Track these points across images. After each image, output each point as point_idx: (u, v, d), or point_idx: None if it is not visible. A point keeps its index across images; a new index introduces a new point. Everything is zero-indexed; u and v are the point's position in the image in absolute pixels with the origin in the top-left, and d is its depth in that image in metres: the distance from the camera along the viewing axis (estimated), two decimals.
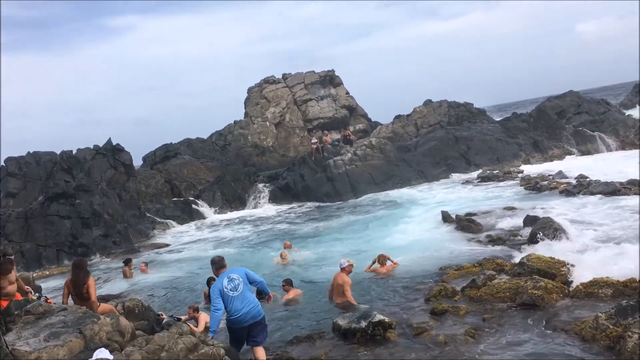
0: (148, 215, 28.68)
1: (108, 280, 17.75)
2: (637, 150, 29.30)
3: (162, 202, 30.80)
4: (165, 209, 30.11)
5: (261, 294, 8.65)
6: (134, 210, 27.84)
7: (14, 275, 9.24)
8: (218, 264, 8.10)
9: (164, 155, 35.27)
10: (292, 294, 12.03)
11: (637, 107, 38.25)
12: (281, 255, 16.23)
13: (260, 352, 7.76)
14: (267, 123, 41.09)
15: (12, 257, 10.40)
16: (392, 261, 13.31)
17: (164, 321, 10.42)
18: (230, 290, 7.67)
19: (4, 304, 8.29)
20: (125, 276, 17.19)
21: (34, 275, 17.64)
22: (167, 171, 33.11)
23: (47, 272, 20.92)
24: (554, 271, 10.19)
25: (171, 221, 28.99)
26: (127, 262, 17.71)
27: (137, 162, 35.48)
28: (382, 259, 13.27)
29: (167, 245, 23.64)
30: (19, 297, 9.20)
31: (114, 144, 30.66)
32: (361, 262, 13.17)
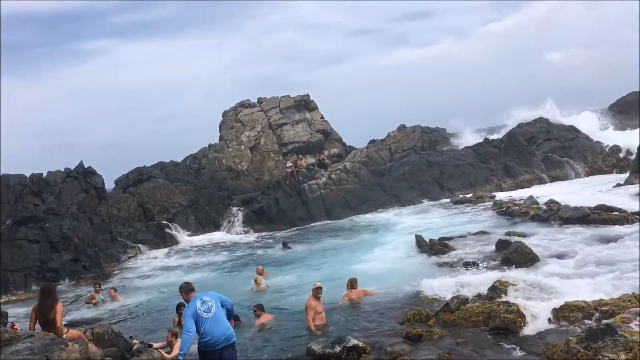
0: (120, 239, 28.21)
1: (77, 305, 17.35)
2: (605, 176, 30.01)
3: (135, 226, 30.36)
4: (138, 233, 29.67)
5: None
6: (105, 234, 27.38)
7: None
8: (186, 288, 8.13)
9: (137, 178, 34.89)
10: (264, 319, 11.92)
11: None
12: (255, 281, 16.09)
13: None
14: (242, 147, 41.07)
15: None
16: (364, 291, 13.19)
17: (135, 347, 10.21)
18: (204, 311, 7.65)
19: None
20: (89, 301, 16.84)
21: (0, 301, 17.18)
22: (140, 195, 32.72)
23: (14, 298, 20.39)
24: (526, 295, 10.32)
25: (143, 245, 28.56)
26: (96, 287, 17.39)
27: (109, 186, 35.01)
28: (352, 283, 13.16)
29: (139, 269, 23.25)
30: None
31: (86, 167, 30.24)
32: (335, 289, 13.13)
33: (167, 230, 30.30)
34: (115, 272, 23.18)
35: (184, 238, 30.49)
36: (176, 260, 24.56)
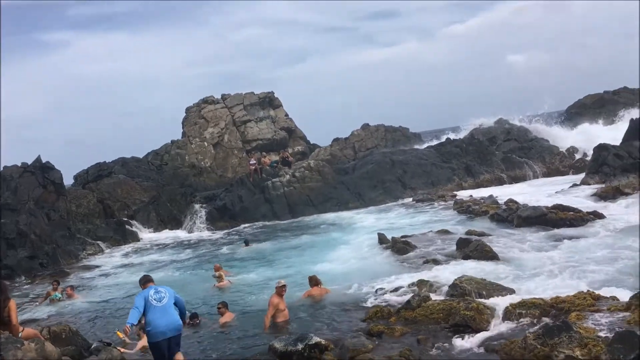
0: (78, 236, 27.59)
1: (34, 304, 16.88)
2: (562, 177, 30.83)
3: (94, 223, 29.75)
4: (97, 229, 29.07)
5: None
6: (64, 230, 26.74)
7: None
8: (143, 280, 8.48)
9: (97, 174, 34.21)
10: (228, 316, 11.85)
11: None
12: (217, 277, 15.96)
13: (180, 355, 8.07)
14: (205, 143, 40.68)
15: None
16: (325, 289, 13.21)
17: (93, 346, 10.01)
18: (155, 300, 7.91)
19: None
20: (45, 299, 16.43)
21: None
22: (100, 191, 32.10)
23: None
24: (485, 292, 10.54)
25: (103, 242, 27.99)
26: (54, 284, 16.96)
27: (68, 181, 34.22)
28: (314, 281, 13.18)
29: (98, 267, 22.78)
30: None
31: (44, 161, 29.46)
32: (298, 286, 13.14)
33: (127, 227, 29.79)
34: (73, 270, 22.64)
35: (145, 235, 30.07)
36: (137, 257, 24.17)
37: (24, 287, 20.44)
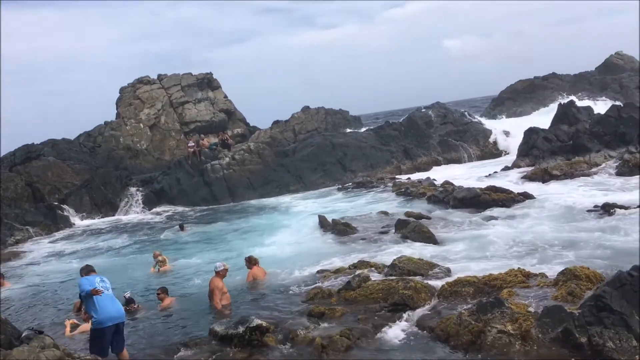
0: (6, 221, 26.30)
1: None
2: (495, 159, 31.91)
3: (23, 207, 28.45)
4: (26, 214, 27.81)
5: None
6: None
7: None
8: (87, 269, 8.49)
9: (24, 156, 32.68)
10: (168, 301, 11.67)
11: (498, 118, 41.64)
12: (161, 263, 15.63)
13: (126, 354, 8.22)
14: (141, 125, 39.56)
15: None
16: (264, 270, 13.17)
17: (24, 334, 9.62)
18: (103, 288, 7.97)
19: None
20: None
21: None
22: (28, 174, 30.70)
23: None
24: (423, 272, 10.82)
25: (33, 228, 26.84)
26: None
27: None
28: (253, 261, 13.10)
29: (28, 253, 21.85)
30: None
31: None
32: (238, 270, 13.05)
33: (59, 211, 28.66)
34: (1, 256, 21.62)
35: (78, 220, 29.04)
36: (69, 243, 23.34)
37: None
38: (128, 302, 11.41)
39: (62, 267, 18.23)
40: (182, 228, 22.44)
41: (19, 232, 25.92)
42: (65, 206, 29.62)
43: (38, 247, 23.17)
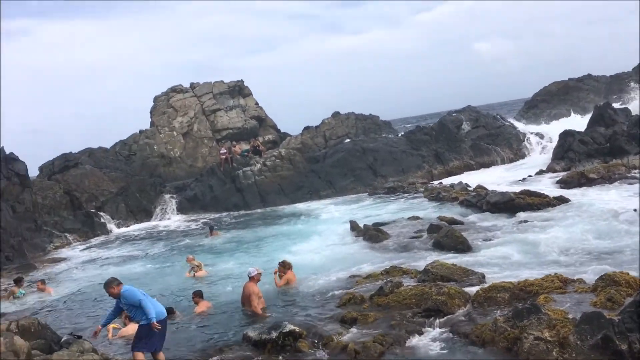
0: (45, 228, 27.02)
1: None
2: (528, 163, 31.38)
3: (61, 215, 29.16)
4: (65, 221, 28.50)
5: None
6: (30, 223, 26.14)
7: None
8: (116, 281, 8.40)
9: (63, 165, 33.47)
10: (203, 306, 11.79)
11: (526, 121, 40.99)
12: (192, 268, 15.83)
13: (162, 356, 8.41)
14: (175, 133, 40.14)
15: None
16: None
17: (63, 339, 9.86)
18: (144, 293, 8.33)
19: None
20: (8, 296, 16.01)
21: None
22: (67, 182, 31.44)
23: None
24: (456, 277, 10.71)
25: (71, 235, 27.48)
26: (18, 282, 16.50)
27: (33, 173, 33.43)
28: (286, 266, 13.15)
29: (66, 260, 22.38)
30: None
31: (7, 152, 28.69)
32: (271, 275, 13.12)
33: (96, 218, 29.30)
34: (41, 263, 22.20)
35: (114, 227, 29.62)
36: (106, 250, 23.82)
37: None
38: (168, 312, 11.57)
39: (100, 273, 18.58)
40: (211, 231, 22.73)
41: (58, 239, 26.59)
42: (102, 213, 30.25)
43: (76, 254, 23.71)
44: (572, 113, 39.95)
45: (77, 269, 20.10)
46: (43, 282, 16.70)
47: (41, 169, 35.04)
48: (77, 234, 27.72)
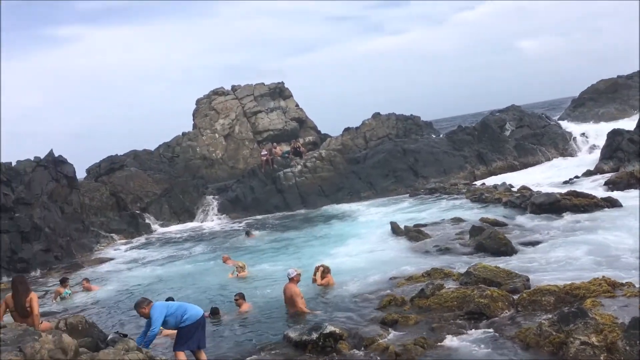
0: (92, 229, 27.82)
1: (48, 298, 17.04)
2: (574, 163, 30.55)
3: (107, 216, 29.96)
4: (111, 222, 29.28)
5: None
6: (77, 224, 26.96)
7: None
8: (147, 301, 8.66)
9: (109, 167, 34.38)
10: (245, 306, 11.91)
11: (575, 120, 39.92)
12: (240, 268, 15.99)
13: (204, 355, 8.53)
14: (216, 135, 40.72)
15: None
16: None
17: (109, 337, 10.09)
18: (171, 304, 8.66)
19: None
20: (55, 296, 16.49)
21: None
22: (113, 183, 32.28)
23: None
24: (500, 280, 10.49)
25: (117, 235, 28.21)
26: (63, 282, 16.96)
27: (81, 175, 34.47)
28: (324, 270, 13.21)
29: (112, 259, 22.96)
30: None
31: (56, 155, 29.65)
32: (310, 277, 13.16)
33: (140, 219, 29.98)
34: (88, 263, 22.84)
35: (158, 227, 30.23)
36: (150, 250, 24.34)
37: (40, 280, 20.68)
38: (214, 312, 11.76)
39: (145, 273, 19.03)
40: (248, 234, 23.00)
41: (104, 239, 27.35)
42: (146, 214, 30.94)
43: (121, 254, 24.30)
44: (621, 111, 38.72)
45: (122, 269, 20.60)
46: (87, 280, 17.17)
47: (88, 171, 36.11)
48: (122, 234, 28.44)
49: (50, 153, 29.64)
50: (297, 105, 44.59)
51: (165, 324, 8.38)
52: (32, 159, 29.44)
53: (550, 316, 7.85)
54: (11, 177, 26.66)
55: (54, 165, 29.10)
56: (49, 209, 25.28)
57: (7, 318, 9.03)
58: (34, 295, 9.02)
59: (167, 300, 12.08)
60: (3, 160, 27.74)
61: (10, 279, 14.38)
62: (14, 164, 28.36)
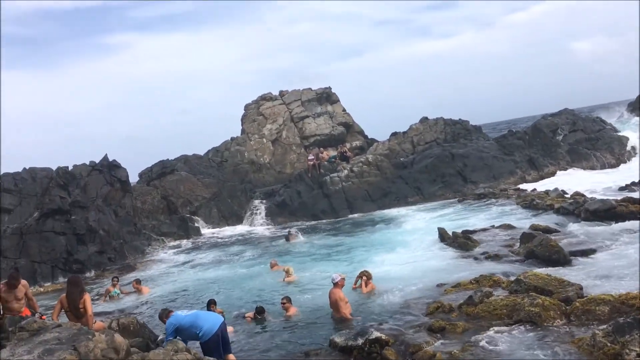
0: (144, 231, 28.56)
1: (98, 297, 17.58)
2: (630, 169, 29.44)
3: (158, 219, 30.69)
4: (161, 225, 29.99)
5: None
6: (130, 226, 27.73)
7: (22, 291, 9.31)
8: (166, 311, 9.26)
9: (160, 171, 35.22)
10: (292, 311, 11.98)
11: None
12: (286, 272, 16.10)
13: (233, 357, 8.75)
14: (264, 139, 41.15)
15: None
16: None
17: (160, 338, 10.34)
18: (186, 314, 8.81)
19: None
20: (105, 295, 17.02)
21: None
22: (164, 187, 33.05)
23: (42, 289, 20.77)
24: (551, 288, 10.19)
25: (167, 238, 28.87)
26: (113, 281, 17.52)
27: (133, 179, 35.43)
28: (367, 275, 13.21)
29: (163, 262, 23.51)
30: (27, 312, 9.28)
31: (110, 160, 30.60)
32: (352, 283, 13.14)
33: (190, 223, 30.57)
34: (140, 265, 23.47)
35: (207, 231, 30.76)
36: (199, 253, 24.78)
37: (94, 280, 21.37)
38: (259, 311, 11.92)
39: (194, 275, 19.39)
40: (287, 239, 23.20)
41: (156, 242, 28.02)
42: (196, 217, 31.54)
43: (172, 256, 24.85)
44: None
45: (172, 271, 21.05)
46: (138, 281, 17.61)
47: (140, 175, 37.09)
48: (172, 237, 29.08)
49: (105, 157, 30.61)
50: (344, 109, 44.61)
51: (181, 336, 8.50)
52: (88, 163, 30.45)
53: (604, 327, 7.58)
54: (68, 180, 27.68)
55: (109, 169, 30.04)
56: (103, 212, 26.11)
57: (62, 317, 9.36)
58: (87, 297, 9.31)
59: (208, 302, 12.37)
60: (60, 165, 28.83)
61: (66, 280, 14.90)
62: (70, 168, 29.40)
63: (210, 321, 8.49)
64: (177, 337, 8.36)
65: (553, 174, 30.81)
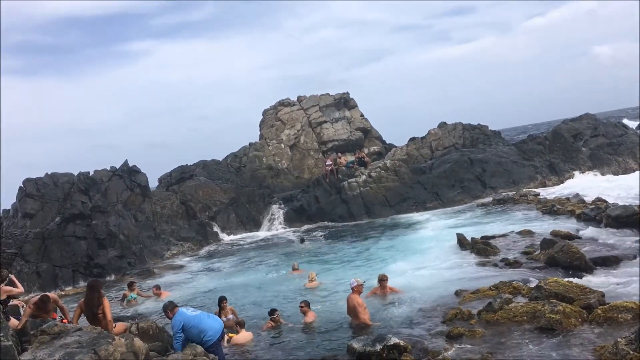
0: (163, 236, 28.78)
1: (116, 302, 17.73)
2: None
3: (177, 224, 30.92)
4: (180, 230, 30.20)
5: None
6: (149, 231, 27.97)
7: (52, 306, 9.48)
8: (171, 305, 9.38)
9: (179, 176, 35.51)
10: (310, 315, 11.96)
11: None
12: (309, 278, 16.09)
13: None
14: (282, 145, 41.28)
15: (11, 275, 10.86)
16: (392, 288, 13.23)
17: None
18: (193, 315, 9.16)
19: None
20: (122, 300, 17.15)
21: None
22: (183, 192, 33.30)
23: (63, 293, 21.02)
24: (572, 295, 10.05)
25: (186, 243, 29.05)
26: (130, 286, 17.64)
27: (153, 184, 35.76)
28: (382, 279, 13.19)
29: (182, 266, 23.66)
30: (54, 316, 9.45)
31: (130, 165, 30.95)
32: (369, 288, 13.11)
33: (208, 228, 30.75)
34: (159, 269, 23.64)
35: (225, 236, 30.89)
36: (217, 258, 24.90)
37: (115, 284, 21.57)
38: (271, 313, 11.93)
39: (212, 280, 19.48)
40: (302, 241, 23.36)
41: (175, 247, 28.21)
42: (214, 223, 31.71)
43: (190, 261, 25.00)
44: None
45: (191, 276, 21.17)
46: (158, 287, 17.76)
47: (160, 180, 37.43)
48: (191, 242, 29.26)
49: (125, 163, 30.98)
50: (362, 115, 44.61)
51: (184, 334, 8.81)
52: (109, 168, 30.83)
53: (627, 334, 7.46)
54: (89, 185, 28.06)
55: (129, 174, 30.39)
56: (123, 216, 26.39)
57: (82, 320, 9.47)
58: (106, 302, 9.38)
59: (219, 299, 12.49)
60: (82, 170, 29.24)
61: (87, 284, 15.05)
62: (91, 173, 29.77)
63: (215, 328, 8.90)
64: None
65: (574, 179, 30.42)
